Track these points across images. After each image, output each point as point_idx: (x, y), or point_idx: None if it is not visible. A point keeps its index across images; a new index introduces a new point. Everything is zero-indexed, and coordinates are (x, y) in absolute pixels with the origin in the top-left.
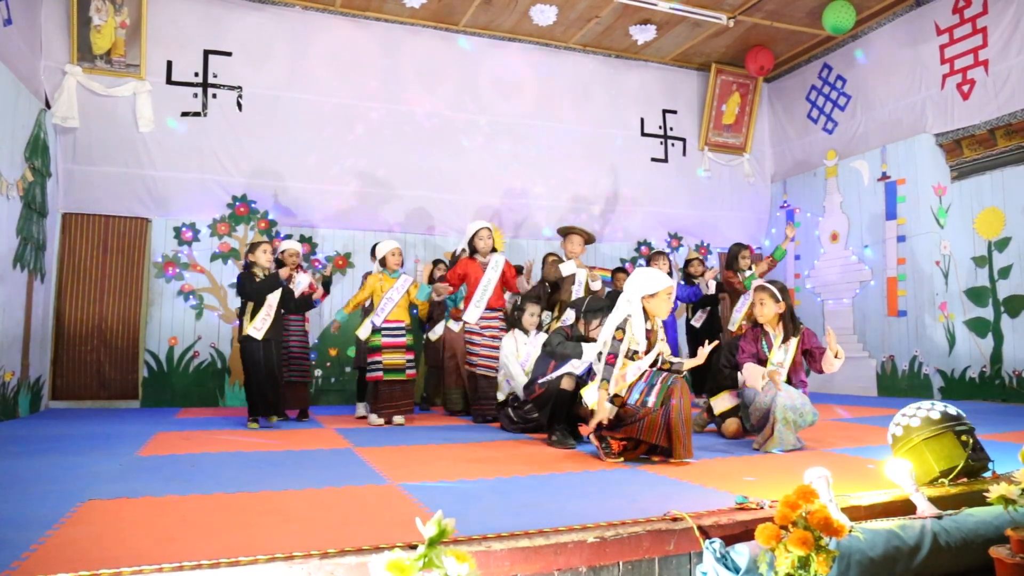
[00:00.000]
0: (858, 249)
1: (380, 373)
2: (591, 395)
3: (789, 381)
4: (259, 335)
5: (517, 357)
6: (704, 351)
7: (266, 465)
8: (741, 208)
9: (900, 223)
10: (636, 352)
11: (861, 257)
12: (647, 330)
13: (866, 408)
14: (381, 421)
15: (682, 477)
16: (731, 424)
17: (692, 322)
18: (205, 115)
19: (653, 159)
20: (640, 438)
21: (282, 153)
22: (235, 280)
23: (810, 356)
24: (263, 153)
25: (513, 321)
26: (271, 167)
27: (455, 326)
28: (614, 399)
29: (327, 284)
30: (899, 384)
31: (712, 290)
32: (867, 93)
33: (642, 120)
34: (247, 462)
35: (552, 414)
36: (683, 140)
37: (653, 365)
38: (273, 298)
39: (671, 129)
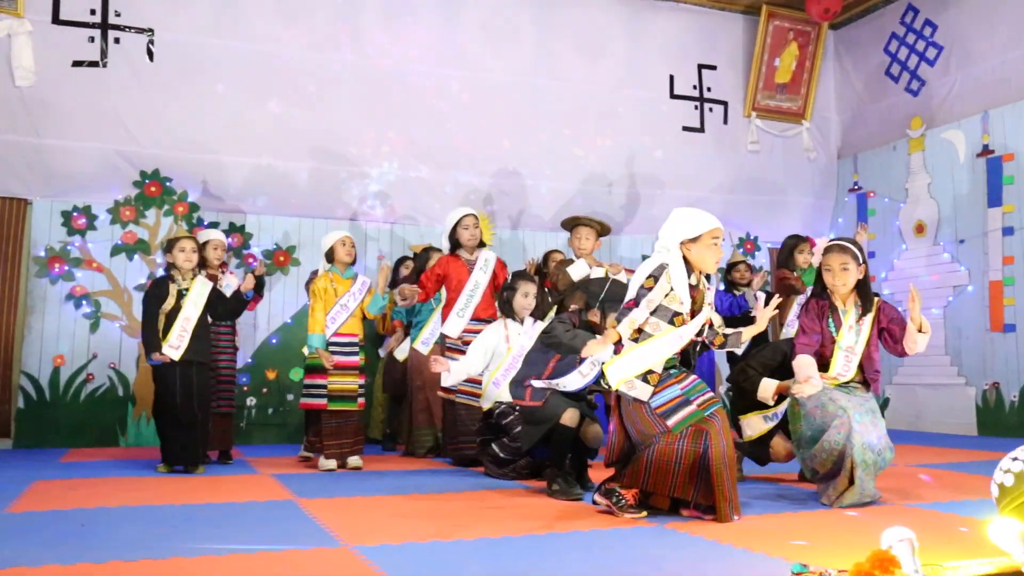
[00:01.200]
0: (951, 245)
1: (324, 401)
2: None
3: (862, 372)
4: (176, 354)
5: (507, 352)
6: (767, 311)
7: (181, 523)
8: (799, 191)
9: (1007, 211)
10: (678, 315)
11: (955, 255)
12: (691, 286)
13: (963, 451)
14: (332, 465)
15: (721, 538)
16: (780, 445)
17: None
18: (105, 66)
19: (685, 128)
20: (675, 495)
21: (207, 117)
22: (145, 283)
23: (889, 336)
24: (182, 117)
25: (502, 306)
26: (192, 135)
27: (423, 347)
28: (648, 376)
29: (260, 285)
30: (1006, 419)
31: (760, 304)
32: (964, 43)
33: (671, 78)
34: (155, 519)
35: (552, 457)
36: (724, 104)
37: (700, 335)
38: (192, 308)
39: (709, 90)
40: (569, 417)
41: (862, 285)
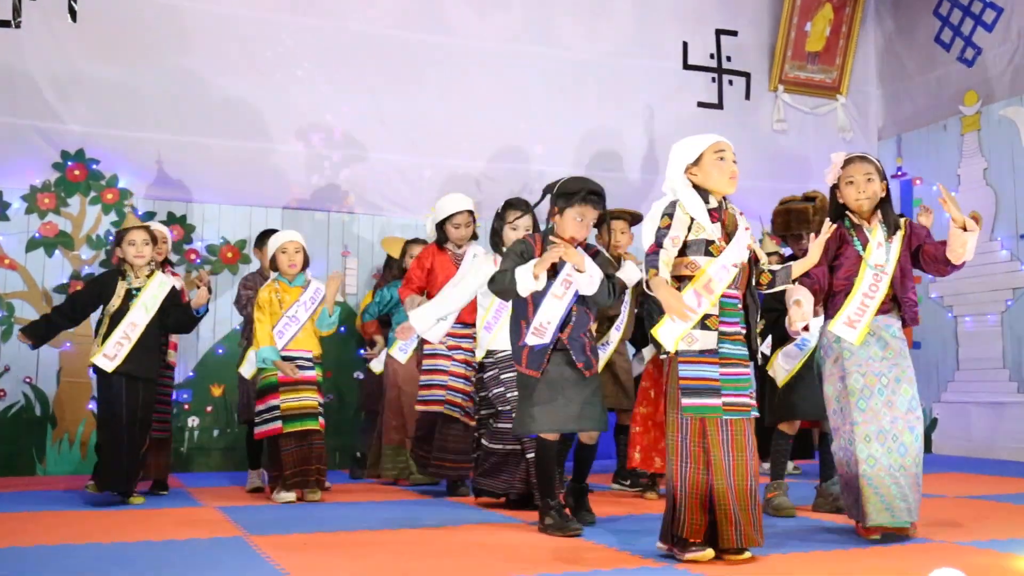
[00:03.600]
0: (1011, 240)
1: (279, 424)
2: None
3: (895, 299)
4: (110, 365)
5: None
6: (820, 239)
7: (110, 564)
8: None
9: None
10: (711, 243)
11: (1015, 252)
12: (711, 210)
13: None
14: (291, 497)
15: None
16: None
17: (761, 347)
18: (18, 26)
19: (701, 104)
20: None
21: (141, 88)
22: (66, 284)
23: (925, 257)
24: (111, 88)
25: (492, 237)
26: (124, 110)
27: (401, 355)
28: (707, 320)
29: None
30: None
31: (811, 236)
32: None
33: (685, 46)
34: (79, 561)
35: (538, 483)
36: (746, 76)
37: (750, 278)
38: (141, 312)
39: (728, 60)
40: (549, 432)
41: (884, 205)
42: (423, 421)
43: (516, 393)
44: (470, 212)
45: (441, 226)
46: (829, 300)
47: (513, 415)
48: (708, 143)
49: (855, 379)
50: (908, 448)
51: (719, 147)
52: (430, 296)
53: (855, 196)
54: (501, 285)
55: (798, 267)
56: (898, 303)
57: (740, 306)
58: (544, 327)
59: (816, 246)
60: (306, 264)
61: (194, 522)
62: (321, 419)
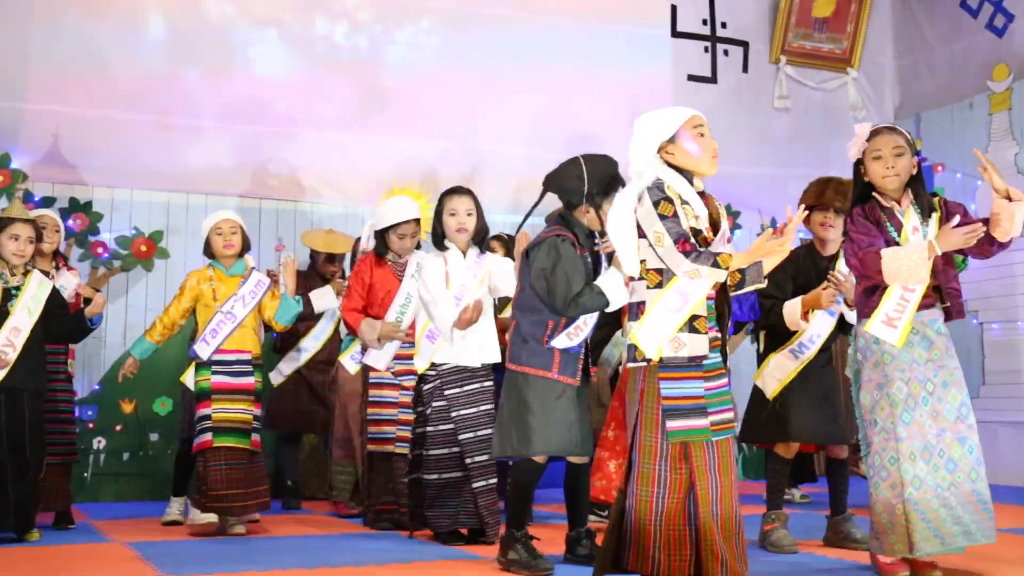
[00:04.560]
0: None
1: (208, 436)
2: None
3: (938, 291)
4: None
5: (447, 288)
6: (792, 225)
7: None
8: (842, 162)
9: None
10: (699, 233)
11: None
12: (699, 193)
13: None
14: (209, 518)
15: None
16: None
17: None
18: None
19: (692, 77)
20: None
21: (41, 53)
22: None
23: None
24: (5, 52)
25: (433, 234)
26: (22, 76)
27: (351, 365)
28: (695, 322)
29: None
30: None
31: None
32: None
33: (674, 9)
34: None
35: (508, 508)
36: (744, 45)
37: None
38: (24, 314)
39: (724, 26)
40: (552, 453)
41: (916, 184)
42: (379, 469)
43: (463, 412)
44: (417, 221)
45: (382, 235)
46: (863, 296)
47: (461, 436)
48: (684, 117)
49: (898, 387)
50: (958, 463)
51: (697, 121)
52: (372, 315)
53: (882, 172)
54: (589, 306)
55: (769, 264)
56: (941, 295)
57: (714, 309)
58: (583, 327)
59: (789, 231)
60: (246, 248)
61: (99, 560)
62: (255, 436)
